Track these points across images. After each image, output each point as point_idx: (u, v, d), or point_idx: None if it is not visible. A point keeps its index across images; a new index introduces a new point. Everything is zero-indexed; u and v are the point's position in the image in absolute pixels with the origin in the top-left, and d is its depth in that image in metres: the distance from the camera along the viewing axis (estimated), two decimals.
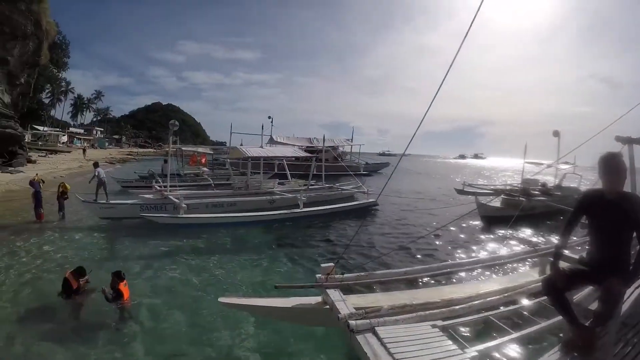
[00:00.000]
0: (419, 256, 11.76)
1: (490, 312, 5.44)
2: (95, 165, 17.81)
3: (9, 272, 9.33)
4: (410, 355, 4.01)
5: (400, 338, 4.35)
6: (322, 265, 5.92)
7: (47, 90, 60.66)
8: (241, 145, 24.21)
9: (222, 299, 5.86)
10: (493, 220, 16.60)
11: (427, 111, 5.47)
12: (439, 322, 4.79)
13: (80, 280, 7.82)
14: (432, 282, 8.01)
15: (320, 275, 5.76)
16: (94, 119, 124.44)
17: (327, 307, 5.41)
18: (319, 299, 5.71)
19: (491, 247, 13.27)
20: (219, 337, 6.68)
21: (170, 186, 16.98)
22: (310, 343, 6.56)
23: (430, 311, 5.07)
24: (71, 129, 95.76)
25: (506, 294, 6.00)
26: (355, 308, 4.97)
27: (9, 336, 6.51)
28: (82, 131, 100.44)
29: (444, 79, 5.21)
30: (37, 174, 17.56)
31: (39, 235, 12.83)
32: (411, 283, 7.08)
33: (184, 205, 14.42)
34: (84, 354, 6.07)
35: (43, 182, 15.76)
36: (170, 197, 15.78)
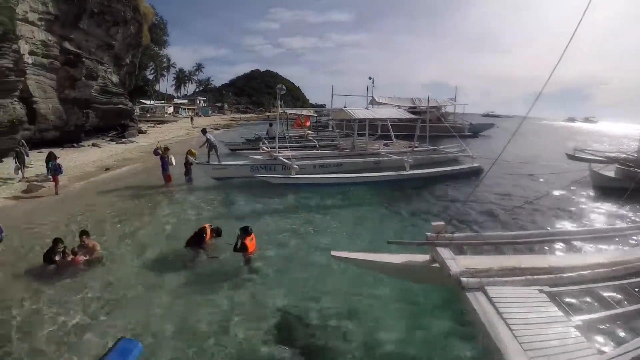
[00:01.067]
0: (524, 222, 11.44)
1: (597, 284, 5.35)
2: (204, 132, 18.60)
3: (144, 228, 10.93)
4: (517, 317, 4.18)
5: (508, 299, 4.49)
6: (433, 223, 6.03)
7: (150, 68, 65.99)
8: (345, 107, 23.97)
9: (334, 253, 6.18)
10: (607, 190, 15.05)
11: (554, 68, 5.40)
12: (546, 288, 4.83)
13: (214, 236, 8.96)
14: (538, 248, 7.88)
15: (430, 233, 5.87)
16: (196, 90, 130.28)
17: (436, 265, 5.57)
18: (427, 257, 5.90)
19: (601, 219, 12.43)
20: (330, 287, 7.10)
21: (279, 148, 17.54)
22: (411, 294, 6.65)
23: (538, 276, 5.10)
24: (176, 101, 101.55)
25: (614, 268, 5.71)
26: (465, 267, 5.12)
27: (154, 283, 7.56)
28: (186, 102, 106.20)
29: (572, 35, 5.18)
30: (158, 142, 18.99)
31: (167, 195, 14.82)
32: (517, 248, 7.18)
33: (295, 166, 14.92)
34: (211, 296, 6.90)
35: (167, 149, 17.00)
36: (281, 157, 16.34)
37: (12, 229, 10.38)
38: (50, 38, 24.43)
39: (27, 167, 18.06)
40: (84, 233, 8.70)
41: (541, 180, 17.96)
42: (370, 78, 25.84)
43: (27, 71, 21.76)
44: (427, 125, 22.37)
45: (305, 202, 13.44)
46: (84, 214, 12.37)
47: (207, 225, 8.97)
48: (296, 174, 14.93)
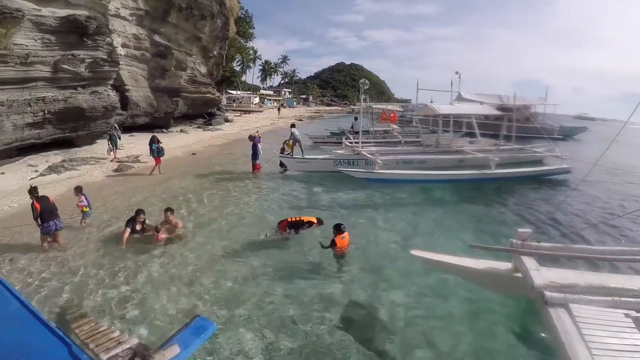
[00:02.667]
0: (616, 236, 10.11)
1: None
2: (292, 126, 18.89)
3: (227, 213, 11.13)
4: (599, 340, 3.85)
5: (592, 320, 4.16)
6: (518, 230, 5.63)
7: (237, 59, 68.47)
8: (431, 102, 22.99)
9: (414, 252, 6.11)
10: None
11: None
12: (633, 313, 4.36)
13: (305, 225, 9.10)
14: (629, 268, 7.08)
15: (515, 240, 5.50)
16: (282, 82, 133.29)
17: (518, 274, 5.27)
18: (509, 265, 5.63)
19: None
20: (409, 286, 6.96)
21: (363, 142, 17.45)
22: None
23: (626, 299, 4.59)
24: (261, 91, 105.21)
25: None
26: (549, 281, 4.75)
27: (232, 267, 7.71)
28: (271, 93, 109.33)
29: None
30: (257, 131, 19.13)
31: (253, 182, 15.19)
32: (607, 264, 6.81)
33: (379, 162, 14.75)
34: (290, 285, 6.97)
35: (259, 136, 17.22)
36: (364, 152, 16.26)
37: (102, 204, 11.41)
38: (141, 32, 25.65)
39: (119, 148, 19.39)
40: (169, 209, 9.04)
41: (637, 194, 15.68)
42: (456, 73, 24.52)
43: (120, 62, 22.94)
44: (514, 124, 20.94)
45: (387, 197, 13.21)
46: (170, 193, 13.08)
47: (314, 219, 9.21)
48: (379, 169, 14.68)
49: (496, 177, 15.49)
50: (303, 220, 9.12)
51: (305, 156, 17.27)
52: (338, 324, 5.85)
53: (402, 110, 35.28)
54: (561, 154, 18.14)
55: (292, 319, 5.97)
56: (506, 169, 16.17)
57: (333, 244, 7.91)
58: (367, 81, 17.48)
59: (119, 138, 19.64)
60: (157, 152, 15.91)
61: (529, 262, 5.12)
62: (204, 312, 5.93)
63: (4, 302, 4.71)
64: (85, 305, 6.20)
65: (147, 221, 9.00)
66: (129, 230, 8.60)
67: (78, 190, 9.76)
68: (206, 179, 15.27)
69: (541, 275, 4.81)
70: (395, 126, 28.61)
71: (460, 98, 21.92)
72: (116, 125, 20.22)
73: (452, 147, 19.37)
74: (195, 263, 7.82)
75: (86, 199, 9.74)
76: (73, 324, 5.14)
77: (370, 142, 17.90)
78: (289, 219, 9.12)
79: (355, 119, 25.98)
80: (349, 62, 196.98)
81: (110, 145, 18.73)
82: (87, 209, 9.78)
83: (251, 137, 16.60)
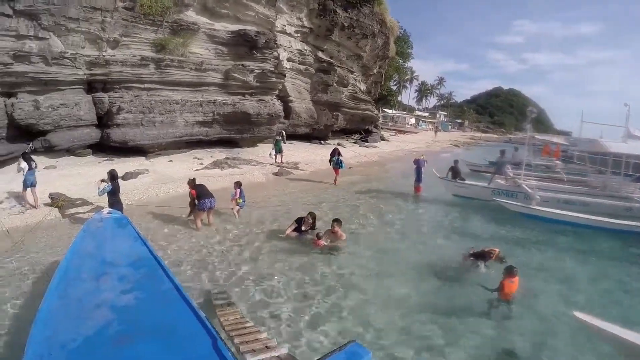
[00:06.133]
0: None
1: None
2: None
3: (388, 231, 10.58)
4: None
5: None
6: None
7: (394, 79, 67.58)
8: (601, 137, 19.84)
9: (577, 314, 5.22)
10: None
11: None
12: None
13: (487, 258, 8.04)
14: None
15: None
16: (437, 104, 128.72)
17: None
18: None
19: None
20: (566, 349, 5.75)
21: (524, 175, 16.12)
22: None
23: None
24: (417, 112, 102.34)
25: None
26: None
27: (393, 290, 6.97)
28: (427, 114, 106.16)
29: None
30: (422, 154, 18.12)
31: (413, 203, 14.54)
32: None
33: (537, 197, 13.52)
34: (446, 319, 6.17)
35: (425, 160, 16.52)
36: (523, 186, 14.95)
37: (256, 201, 12.02)
38: (305, 48, 26.30)
39: (282, 154, 19.57)
40: (336, 220, 8.78)
41: None
42: (625, 105, 19.49)
43: (286, 75, 23.62)
44: None
45: (542, 237, 11.20)
46: (328, 202, 13.12)
47: (495, 250, 8.14)
48: (537, 205, 13.15)
49: None
50: (487, 252, 8.06)
51: (465, 182, 16.10)
52: None
53: (567, 144, 29.94)
54: None
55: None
56: None
57: (501, 287, 6.72)
58: (534, 109, 16.18)
59: (284, 142, 20.05)
60: (336, 163, 16.12)
61: None
62: (356, 336, 5.34)
63: (156, 280, 4.80)
64: (232, 295, 5.98)
65: (315, 225, 9.01)
66: (294, 226, 8.97)
67: (237, 184, 10.29)
68: (364, 195, 14.89)
69: None
70: (558, 162, 25.33)
71: (629, 135, 17.33)
72: (283, 132, 20.61)
73: (621, 192, 15.99)
74: (349, 279, 7.27)
75: (242, 193, 10.24)
76: (219, 311, 5.05)
77: (531, 176, 16.73)
78: (473, 250, 8.24)
79: (516, 149, 24.04)
80: (507, 87, 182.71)
81: (275, 150, 19.15)
82: (241, 201, 10.25)
83: (416, 160, 15.96)
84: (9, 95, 13.68)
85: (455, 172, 15.95)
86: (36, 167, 10.31)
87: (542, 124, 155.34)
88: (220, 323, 4.55)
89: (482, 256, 7.99)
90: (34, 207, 9.78)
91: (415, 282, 7.34)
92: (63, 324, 3.84)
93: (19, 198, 10.03)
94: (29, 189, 9.84)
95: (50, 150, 14.45)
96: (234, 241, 8.71)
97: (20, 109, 13.49)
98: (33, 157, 10.72)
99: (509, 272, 6.81)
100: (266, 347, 3.90)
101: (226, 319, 4.72)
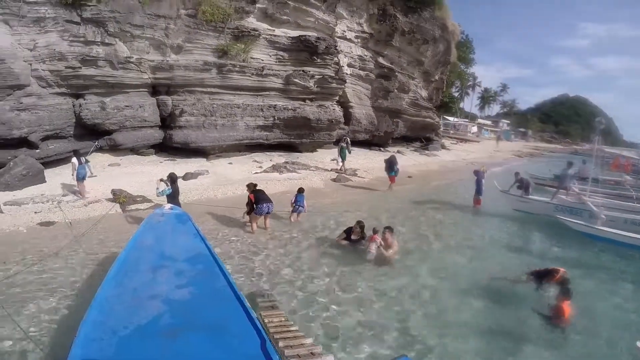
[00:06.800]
0: None
1: None
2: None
3: (445, 245, 10.04)
4: None
5: None
6: None
7: (456, 85, 64.80)
8: None
9: None
10: None
11: None
12: None
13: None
14: None
15: None
16: (500, 111, 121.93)
17: None
18: None
19: None
20: None
21: (590, 191, 14.70)
22: None
23: None
24: (479, 120, 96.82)
25: None
26: None
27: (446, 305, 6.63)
28: (489, 122, 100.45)
29: None
30: (483, 166, 17.12)
31: (473, 217, 13.86)
32: None
33: (603, 217, 12.15)
34: (511, 346, 5.70)
35: (485, 171, 15.68)
36: (588, 203, 13.52)
37: (315, 208, 11.69)
38: (366, 53, 25.68)
39: (345, 160, 18.94)
40: (388, 228, 8.50)
41: None
42: None
43: (346, 80, 23.09)
44: None
45: (606, 261, 10.07)
46: (384, 211, 12.70)
47: (560, 269, 7.25)
48: (602, 225, 11.84)
49: None
50: (550, 270, 7.25)
51: (529, 196, 14.91)
52: None
53: (638, 158, 26.92)
54: None
55: None
56: None
57: (560, 312, 6.10)
58: (603, 120, 14.92)
59: (349, 152, 19.42)
60: (393, 171, 15.98)
61: None
62: (405, 350, 5.17)
63: (212, 277, 4.84)
64: (277, 298, 5.93)
65: (364, 234, 8.71)
66: (344, 236, 8.85)
67: (300, 190, 10.32)
68: (421, 205, 14.37)
69: None
70: (628, 177, 22.83)
71: None
72: (348, 139, 19.98)
73: None
74: (400, 291, 6.96)
75: (301, 198, 10.22)
76: (263, 312, 5.01)
77: (598, 192, 15.38)
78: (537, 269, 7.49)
79: (584, 162, 22.17)
80: (573, 94, 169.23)
81: (339, 156, 18.80)
82: (299, 207, 10.27)
83: (476, 172, 15.06)
84: (77, 96, 14.43)
85: (522, 186, 14.81)
86: (86, 162, 11.32)
87: (610, 134, 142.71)
88: (265, 325, 4.46)
89: (544, 276, 7.29)
90: (83, 197, 10.77)
91: (469, 301, 6.92)
92: (116, 311, 3.97)
93: (76, 192, 11.06)
94: (82, 182, 10.86)
95: (115, 149, 15.07)
96: (286, 246, 8.74)
97: (87, 109, 14.23)
98: (98, 154, 11.85)
99: (564, 293, 6.34)
100: (311, 353, 3.87)
101: (270, 321, 4.69)
